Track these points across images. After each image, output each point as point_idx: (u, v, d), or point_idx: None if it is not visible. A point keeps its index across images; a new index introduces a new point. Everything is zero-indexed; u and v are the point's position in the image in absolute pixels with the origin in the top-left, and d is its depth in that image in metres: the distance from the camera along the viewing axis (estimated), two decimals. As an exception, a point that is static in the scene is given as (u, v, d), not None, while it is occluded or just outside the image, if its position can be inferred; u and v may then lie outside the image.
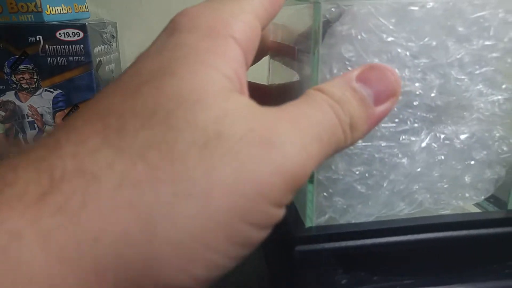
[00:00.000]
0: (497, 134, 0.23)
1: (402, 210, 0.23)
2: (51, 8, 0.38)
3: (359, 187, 0.22)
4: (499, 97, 0.22)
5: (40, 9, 0.37)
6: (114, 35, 0.46)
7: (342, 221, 0.23)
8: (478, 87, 0.22)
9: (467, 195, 0.24)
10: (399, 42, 0.20)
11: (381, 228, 0.22)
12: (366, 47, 0.20)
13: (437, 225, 0.22)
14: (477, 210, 0.25)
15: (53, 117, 0.39)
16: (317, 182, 0.21)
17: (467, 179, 0.24)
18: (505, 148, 0.23)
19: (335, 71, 0.20)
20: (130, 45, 0.52)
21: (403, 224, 0.22)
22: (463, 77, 0.21)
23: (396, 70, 0.20)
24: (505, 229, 0.23)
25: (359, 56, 0.20)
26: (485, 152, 0.23)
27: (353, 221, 0.23)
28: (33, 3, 0.36)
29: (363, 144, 0.21)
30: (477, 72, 0.22)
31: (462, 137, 0.23)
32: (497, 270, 0.21)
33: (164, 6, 0.50)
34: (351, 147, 0.21)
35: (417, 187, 0.23)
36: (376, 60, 0.20)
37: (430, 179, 0.23)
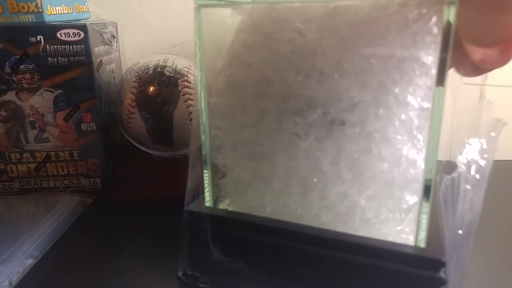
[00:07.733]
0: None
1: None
2: (51, 8, 0.38)
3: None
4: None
5: (40, 9, 0.37)
6: (115, 35, 0.46)
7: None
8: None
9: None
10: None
11: (251, 222, 0.25)
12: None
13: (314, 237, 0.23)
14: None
15: (54, 117, 0.39)
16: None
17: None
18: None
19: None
20: (131, 45, 0.52)
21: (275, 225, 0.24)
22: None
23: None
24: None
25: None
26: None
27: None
28: (34, 3, 0.36)
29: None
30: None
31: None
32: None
33: (164, 6, 0.50)
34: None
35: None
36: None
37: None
